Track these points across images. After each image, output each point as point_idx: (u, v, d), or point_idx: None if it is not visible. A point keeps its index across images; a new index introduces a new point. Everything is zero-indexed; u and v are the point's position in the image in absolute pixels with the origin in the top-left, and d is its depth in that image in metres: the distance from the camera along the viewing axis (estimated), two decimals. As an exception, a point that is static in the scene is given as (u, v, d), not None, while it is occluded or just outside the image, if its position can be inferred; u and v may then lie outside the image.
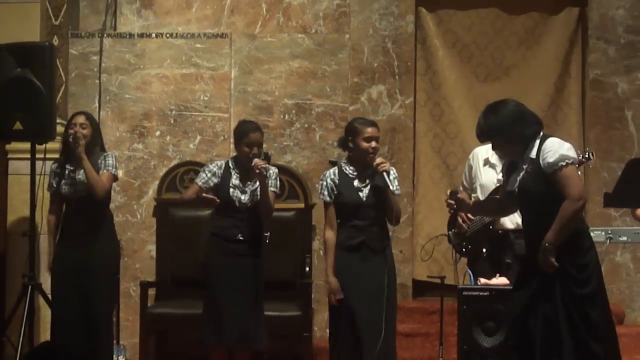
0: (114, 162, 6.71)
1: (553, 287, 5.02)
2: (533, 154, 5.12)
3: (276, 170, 6.59)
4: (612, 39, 8.23)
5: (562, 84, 8.34)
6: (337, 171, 6.22)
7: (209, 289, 6.49)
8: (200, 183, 6.51)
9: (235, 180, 6.47)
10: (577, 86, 8.36)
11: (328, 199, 6.21)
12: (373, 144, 6.09)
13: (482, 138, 5.26)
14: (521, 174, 5.15)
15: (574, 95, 8.35)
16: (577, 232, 5.07)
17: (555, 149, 5.06)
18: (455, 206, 5.51)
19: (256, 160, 6.31)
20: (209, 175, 6.51)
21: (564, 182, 5.01)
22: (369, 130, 6.11)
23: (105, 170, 6.64)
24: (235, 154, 6.72)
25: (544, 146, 5.10)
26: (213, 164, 6.61)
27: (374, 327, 5.98)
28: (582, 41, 8.37)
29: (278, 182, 6.59)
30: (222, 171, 6.52)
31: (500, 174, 5.77)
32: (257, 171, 6.28)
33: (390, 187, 6.02)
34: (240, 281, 6.41)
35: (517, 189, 5.16)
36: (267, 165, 6.35)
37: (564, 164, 5.02)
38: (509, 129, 5.12)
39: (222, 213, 6.50)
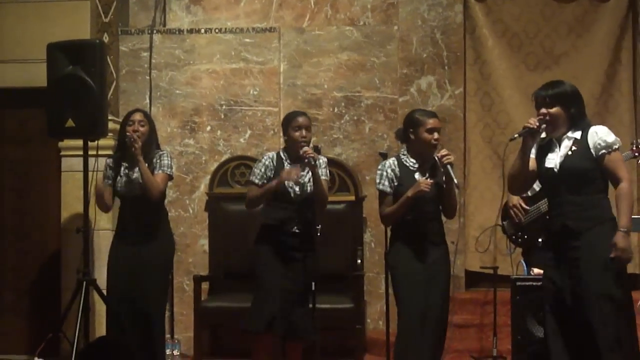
0: (169, 162, 6.75)
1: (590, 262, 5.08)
2: (577, 135, 5.21)
3: (325, 160, 6.56)
4: (664, 25, 8.15)
5: (613, 71, 8.26)
6: (396, 162, 6.09)
7: (260, 280, 6.43)
8: (257, 181, 6.50)
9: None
10: (629, 73, 8.27)
11: (388, 189, 6.05)
12: (435, 135, 6.01)
13: (543, 102, 5.27)
14: (564, 152, 5.21)
15: (626, 83, 8.26)
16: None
17: (607, 132, 5.21)
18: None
19: (305, 148, 6.31)
20: (262, 170, 6.51)
21: (615, 165, 5.17)
22: (431, 122, 6.02)
23: (160, 171, 6.67)
24: (284, 146, 6.71)
25: (594, 129, 5.23)
26: (264, 157, 6.60)
27: (439, 322, 5.96)
28: (632, 28, 8.27)
29: (328, 171, 6.57)
30: (274, 163, 6.51)
31: None
32: (306, 160, 6.27)
33: (455, 180, 5.88)
34: (292, 274, 6.38)
35: (559, 166, 5.19)
36: (315, 154, 6.33)
37: (616, 146, 5.18)
38: (572, 100, 5.24)
39: (277, 205, 6.47)
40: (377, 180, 6.12)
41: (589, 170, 5.16)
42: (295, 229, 6.41)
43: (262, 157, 6.64)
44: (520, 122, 7.97)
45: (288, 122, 6.49)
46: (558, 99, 5.23)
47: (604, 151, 5.15)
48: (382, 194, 6.11)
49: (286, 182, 6.38)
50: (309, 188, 6.43)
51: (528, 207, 6.54)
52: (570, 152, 5.20)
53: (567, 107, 5.22)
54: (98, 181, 6.85)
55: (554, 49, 8.36)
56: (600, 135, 5.18)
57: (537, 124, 5.22)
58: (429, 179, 5.92)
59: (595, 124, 5.33)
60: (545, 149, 5.32)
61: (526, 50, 8.39)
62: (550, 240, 5.32)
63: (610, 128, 5.32)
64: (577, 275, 5.09)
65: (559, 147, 5.25)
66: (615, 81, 8.26)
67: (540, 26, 8.38)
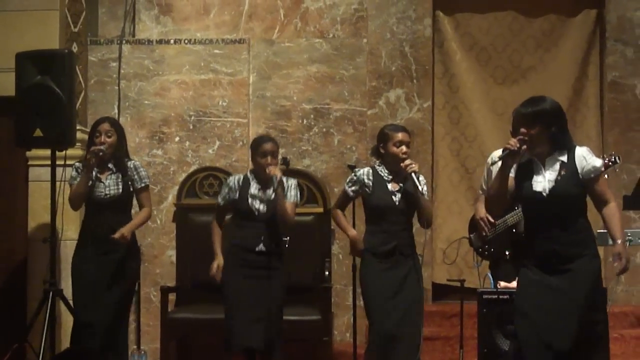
0: (146, 173, 6.87)
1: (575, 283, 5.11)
2: (564, 158, 5.19)
3: (295, 182, 6.60)
4: (630, 40, 8.23)
5: (580, 86, 8.35)
6: (371, 171, 6.24)
7: (229, 301, 6.46)
8: (220, 201, 6.60)
9: (254, 190, 6.49)
10: (595, 88, 8.37)
11: (351, 193, 6.28)
12: (403, 148, 6.13)
13: (523, 121, 5.18)
14: (553, 177, 5.18)
15: (593, 98, 8.36)
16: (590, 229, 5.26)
17: (593, 156, 5.24)
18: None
19: (270, 167, 6.36)
20: (226, 191, 6.58)
21: (602, 188, 5.24)
22: (399, 136, 6.15)
23: (143, 184, 6.77)
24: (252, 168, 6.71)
25: (581, 152, 5.22)
26: (231, 179, 6.66)
27: (408, 333, 6.00)
28: (599, 43, 8.38)
29: (298, 193, 6.60)
30: (240, 183, 6.54)
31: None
32: (270, 173, 6.34)
33: (419, 187, 6.04)
34: (260, 292, 6.38)
35: (548, 191, 5.17)
36: (280, 170, 6.38)
37: (603, 170, 5.24)
38: (553, 119, 5.19)
39: (242, 224, 6.53)
40: (347, 181, 6.33)
41: (578, 196, 5.19)
42: (261, 247, 6.43)
43: (229, 178, 6.71)
44: (487, 136, 8.14)
45: (255, 148, 6.53)
46: (538, 118, 5.15)
47: (592, 175, 5.18)
48: (344, 194, 6.36)
49: (250, 200, 6.45)
50: (274, 208, 6.45)
51: (495, 221, 6.58)
52: (559, 177, 5.17)
53: (548, 125, 5.16)
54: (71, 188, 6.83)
55: (522, 63, 8.44)
56: (588, 160, 5.18)
57: (518, 145, 5.15)
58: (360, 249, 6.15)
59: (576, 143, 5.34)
60: (528, 169, 5.26)
61: (494, 64, 8.47)
62: (534, 261, 5.29)
63: (577, 142, 5.35)
64: (564, 297, 5.13)
65: (544, 168, 5.21)
66: (582, 95, 8.34)
67: (508, 40, 8.46)
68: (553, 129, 5.18)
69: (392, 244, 6.10)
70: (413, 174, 6.03)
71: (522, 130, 5.18)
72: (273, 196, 6.43)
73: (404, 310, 6.00)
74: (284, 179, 6.46)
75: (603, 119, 8.32)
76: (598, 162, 5.21)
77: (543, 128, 5.17)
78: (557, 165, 5.20)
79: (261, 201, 6.46)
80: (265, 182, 6.48)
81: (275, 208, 6.42)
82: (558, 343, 5.04)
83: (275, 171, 6.34)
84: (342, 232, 6.52)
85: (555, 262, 5.14)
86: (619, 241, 5.17)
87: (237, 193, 6.51)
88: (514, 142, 5.16)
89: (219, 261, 6.54)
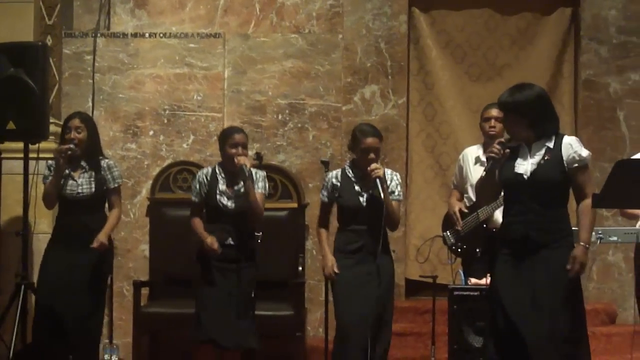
0: (120, 173, 6.86)
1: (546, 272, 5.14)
2: (550, 144, 5.22)
3: (264, 173, 6.62)
4: (605, 39, 8.27)
5: (554, 83, 8.37)
6: (340, 174, 6.28)
7: (200, 293, 6.50)
8: (194, 199, 6.61)
9: (222, 186, 6.50)
10: (570, 86, 8.41)
11: (326, 199, 6.31)
12: (370, 155, 6.13)
13: (505, 108, 5.27)
14: (537, 160, 5.20)
15: (567, 95, 8.39)
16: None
17: (581, 146, 5.25)
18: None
19: (239, 157, 6.36)
20: (198, 187, 6.59)
21: (585, 180, 5.24)
22: (368, 141, 6.14)
23: (116, 185, 6.75)
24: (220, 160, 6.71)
25: (569, 140, 5.25)
26: (199, 174, 6.67)
27: (369, 327, 6.02)
28: (574, 41, 8.41)
29: (266, 184, 6.62)
30: (209, 178, 6.55)
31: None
32: (239, 166, 6.34)
33: (382, 194, 6.02)
34: (230, 285, 6.41)
35: (529, 173, 5.19)
36: (249, 161, 6.41)
37: (588, 161, 5.25)
38: (537, 108, 5.22)
39: (212, 219, 6.55)
40: (321, 190, 6.38)
41: (559, 183, 5.20)
42: (230, 241, 6.44)
43: (198, 173, 6.71)
44: (462, 133, 8.18)
45: (225, 138, 6.54)
46: (523, 104, 5.19)
47: (577, 165, 5.19)
48: (320, 202, 6.39)
49: (218, 197, 6.47)
50: (242, 202, 6.46)
51: (465, 214, 6.61)
52: (542, 162, 5.19)
53: (535, 111, 5.19)
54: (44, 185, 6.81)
55: (497, 60, 8.47)
56: (575, 148, 5.20)
57: (501, 151, 5.21)
58: (332, 275, 6.14)
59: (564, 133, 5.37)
60: (514, 151, 5.28)
61: (469, 61, 8.49)
62: (507, 248, 5.30)
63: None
64: (535, 286, 5.14)
65: (529, 152, 5.24)
66: (556, 94, 8.35)
67: (483, 38, 8.49)
68: (532, 117, 5.19)
69: (359, 244, 6.15)
70: (378, 180, 6.03)
71: (500, 140, 5.27)
72: (242, 190, 6.43)
73: (365, 307, 6.01)
74: (253, 171, 6.46)
75: (577, 117, 8.36)
76: (584, 152, 5.21)
77: (521, 117, 5.20)
78: (543, 150, 5.22)
79: (229, 198, 6.48)
80: (233, 175, 6.48)
81: (244, 203, 6.42)
82: (531, 337, 5.06)
83: (245, 161, 6.34)
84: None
85: (529, 248, 5.16)
86: (581, 243, 5.16)
87: (207, 188, 6.51)
88: (497, 150, 5.21)
89: (210, 238, 6.46)
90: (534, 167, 5.21)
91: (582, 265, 5.16)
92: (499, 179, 5.33)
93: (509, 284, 5.20)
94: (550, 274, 5.13)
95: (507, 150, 5.23)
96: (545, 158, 5.20)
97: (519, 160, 5.26)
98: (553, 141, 5.24)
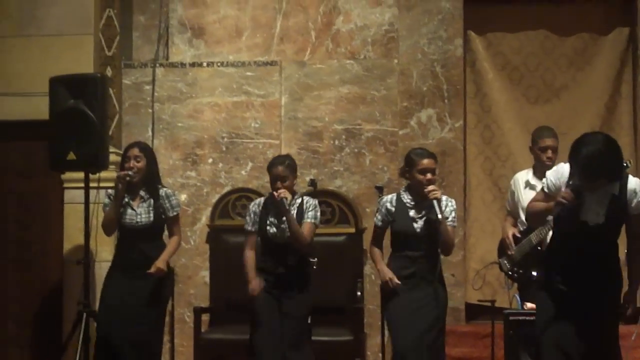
0: (178, 202, 6.97)
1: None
2: (615, 191, 5.15)
3: (315, 202, 6.66)
4: (663, 58, 8.19)
5: (613, 104, 8.31)
6: (395, 198, 6.28)
7: (254, 326, 6.55)
8: (251, 229, 6.69)
9: (271, 217, 6.55)
10: (629, 106, 8.32)
11: (380, 223, 6.31)
12: (428, 175, 6.13)
13: (603, 174, 5.07)
14: (601, 210, 5.14)
15: (626, 116, 8.31)
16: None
17: None
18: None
19: (280, 191, 6.40)
20: (252, 217, 6.66)
21: None
22: (424, 162, 6.14)
23: (174, 213, 6.87)
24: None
25: (634, 186, 5.17)
26: (252, 204, 6.76)
27: (424, 353, 6.01)
28: (632, 61, 8.33)
29: (317, 213, 6.64)
30: (260, 208, 6.64)
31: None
32: (277, 199, 6.38)
33: (439, 215, 6.00)
34: (284, 313, 6.45)
35: (594, 223, 5.14)
36: (286, 195, 6.43)
37: None
38: (617, 163, 5.13)
39: (264, 248, 6.62)
40: (375, 214, 6.36)
41: (619, 229, 5.21)
42: (281, 269, 6.48)
43: (251, 204, 6.79)
44: (520, 155, 8.11)
45: (268, 171, 6.63)
46: (616, 170, 5.10)
47: (637, 213, 5.17)
48: (374, 226, 6.38)
49: (268, 227, 6.54)
50: (287, 232, 6.50)
51: (520, 237, 6.59)
52: (607, 210, 5.14)
53: (608, 173, 5.09)
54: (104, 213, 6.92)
55: (555, 82, 8.42)
56: (639, 196, 5.15)
57: (572, 199, 5.07)
58: (393, 281, 6.10)
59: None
60: (577, 195, 5.15)
61: (527, 83, 8.46)
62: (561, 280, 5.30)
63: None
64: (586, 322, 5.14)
65: (593, 198, 5.15)
66: (615, 114, 8.30)
67: (540, 59, 8.44)
68: (609, 174, 5.10)
69: (411, 270, 6.14)
70: (435, 202, 6.02)
71: (575, 186, 5.10)
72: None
73: (420, 331, 6.00)
74: (305, 199, 6.50)
75: (637, 137, 8.27)
76: None
77: (603, 178, 5.09)
78: (608, 198, 5.15)
79: (277, 228, 6.52)
80: (277, 207, 6.51)
81: (286, 233, 6.49)
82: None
83: (284, 194, 6.39)
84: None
85: (584, 286, 5.17)
86: (634, 286, 5.19)
87: (259, 218, 6.58)
88: (570, 198, 5.07)
89: (258, 281, 6.57)
90: (599, 217, 5.14)
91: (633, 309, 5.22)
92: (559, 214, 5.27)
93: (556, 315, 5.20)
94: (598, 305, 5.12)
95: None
96: (611, 207, 5.14)
97: (584, 207, 5.16)
98: (618, 187, 5.17)
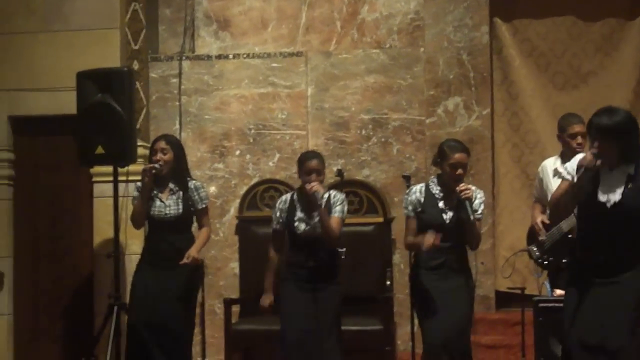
0: (207, 194, 7.01)
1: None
2: (632, 170, 5.11)
3: (343, 196, 6.61)
4: (691, 42, 8.13)
5: (640, 89, 8.26)
6: (423, 188, 6.23)
7: (284, 318, 6.53)
8: (276, 226, 6.65)
9: (299, 213, 6.53)
10: (657, 91, 8.27)
11: (412, 214, 6.22)
12: (459, 171, 6.08)
13: (599, 134, 5.07)
14: (620, 189, 5.10)
15: (654, 101, 8.26)
16: None
17: None
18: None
19: (312, 184, 6.36)
20: (278, 214, 6.62)
21: None
22: (456, 157, 6.08)
23: (203, 205, 6.90)
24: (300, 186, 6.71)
25: None
26: (279, 201, 6.70)
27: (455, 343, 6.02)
28: (660, 46, 8.27)
29: (345, 208, 6.57)
30: (287, 205, 6.59)
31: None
32: (310, 192, 6.33)
33: (471, 217, 5.97)
34: (314, 306, 6.41)
35: (613, 202, 5.09)
36: (322, 187, 6.39)
37: None
38: (632, 133, 5.10)
39: (292, 243, 6.59)
40: (403, 205, 6.32)
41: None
42: (311, 263, 6.46)
43: (277, 202, 6.74)
44: (548, 142, 8.07)
45: (300, 165, 6.55)
46: (614, 132, 5.05)
47: None
48: (406, 218, 6.29)
49: (296, 224, 6.50)
50: (317, 228, 6.47)
51: (549, 225, 6.56)
52: (626, 191, 5.09)
53: (621, 141, 5.06)
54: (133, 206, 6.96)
55: (582, 67, 8.36)
56: None
57: (594, 161, 5.03)
58: (435, 242, 5.98)
59: None
60: (594, 178, 5.14)
61: (554, 69, 8.40)
62: (585, 270, 5.26)
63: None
64: (606, 310, 5.09)
65: (610, 179, 5.13)
66: (643, 100, 8.24)
67: (567, 45, 8.39)
68: (624, 144, 5.08)
69: (440, 260, 6.10)
70: (467, 202, 5.98)
71: (596, 144, 5.06)
72: (317, 218, 6.45)
73: (451, 321, 6.00)
74: (332, 193, 6.48)
75: (665, 122, 8.21)
76: None
77: (617, 142, 5.06)
78: (624, 178, 5.11)
79: (307, 224, 6.49)
80: (309, 200, 6.47)
81: (317, 229, 6.45)
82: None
83: (317, 188, 6.34)
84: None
85: (606, 275, 5.10)
86: None
87: (286, 215, 6.56)
88: (589, 159, 5.03)
89: (269, 298, 6.62)
90: (617, 196, 5.10)
91: None
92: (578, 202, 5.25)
93: (578, 309, 5.15)
94: (623, 296, 5.06)
95: (599, 162, 5.04)
96: (629, 186, 5.09)
97: (601, 187, 5.15)
98: (634, 167, 5.12)
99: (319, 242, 6.45)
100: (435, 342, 6.00)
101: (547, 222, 6.59)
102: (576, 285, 5.21)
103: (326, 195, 6.48)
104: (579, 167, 5.13)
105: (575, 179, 5.15)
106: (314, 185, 6.35)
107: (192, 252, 6.71)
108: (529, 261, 7.48)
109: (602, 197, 5.14)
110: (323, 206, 6.40)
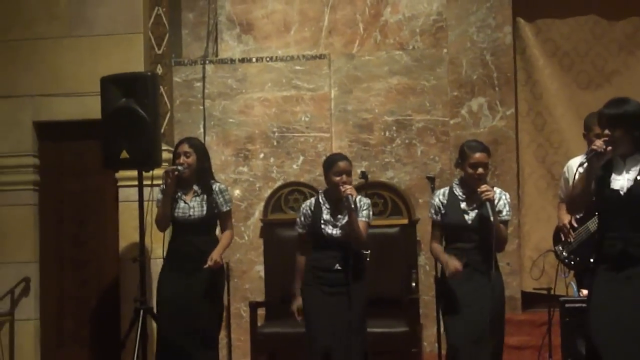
0: (231, 197, 7.02)
1: None
2: None
3: (368, 201, 6.56)
4: None
5: (666, 88, 8.21)
6: (447, 191, 6.24)
7: (310, 316, 6.49)
8: (300, 230, 6.63)
9: (326, 215, 6.49)
10: (682, 90, 8.21)
11: (435, 217, 6.24)
12: (479, 170, 6.06)
13: (608, 123, 5.13)
14: (633, 176, 5.12)
15: (679, 100, 8.19)
16: None
17: None
18: None
19: (346, 186, 6.32)
20: (302, 219, 6.60)
21: None
22: (476, 156, 6.07)
23: (227, 208, 6.90)
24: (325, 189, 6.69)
25: None
26: (303, 205, 6.67)
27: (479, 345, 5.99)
28: (684, 44, 8.23)
29: (371, 212, 6.53)
30: (312, 209, 6.55)
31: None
32: (345, 196, 6.28)
33: (492, 218, 5.95)
34: (339, 308, 6.37)
35: (627, 190, 5.11)
36: (353, 192, 6.31)
37: None
38: (637, 123, 5.12)
39: (318, 246, 6.53)
40: (429, 209, 6.33)
41: None
42: (337, 267, 6.43)
43: (302, 205, 6.70)
44: (573, 141, 8.04)
45: (329, 166, 6.49)
46: (622, 121, 5.10)
47: None
48: (431, 222, 6.31)
49: (322, 226, 6.45)
50: (346, 229, 6.41)
51: (576, 225, 6.53)
52: (639, 177, 5.11)
53: (632, 129, 5.10)
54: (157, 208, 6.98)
55: (605, 67, 8.33)
56: None
57: (604, 146, 5.08)
58: (458, 268, 5.99)
59: None
60: (609, 168, 5.21)
61: (577, 69, 8.37)
62: (605, 262, 5.25)
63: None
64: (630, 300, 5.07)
65: (625, 168, 5.17)
66: (668, 98, 8.18)
67: (590, 44, 8.36)
68: (636, 133, 5.12)
69: (464, 262, 6.06)
70: (488, 203, 5.96)
71: (607, 132, 5.12)
72: (344, 221, 6.41)
73: (474, 323, 5.97)
74: (357, 198, 6.45)
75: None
76: None
77: (626, 130, 5.11)
78: (638, 166, 5.14)
79: (334, 226, 6.46)
80: (337, 203, 6.44)
81: (348, 231, 6.40)
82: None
83: (352, 192, 6.30)
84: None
85: (626, 264, 5.09)
86: None
87: (311, 219, 6.53)
88: (600, 144, 5.10)
89: (298, 303, 6.58)
90: (631, 183, 5.12)
91: None
92: (593, 191, 5.24)
93: (604, 305, 5.14)
94: None
95: (610, 148, 5.10)
96: None
97: (614, 176, 5.18)
98: None
99: (344, 245, 6.44)
100: (456, 343, 6.00)
101: (575, 224, 6.56)
102: (598, 282, 5.20)
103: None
104: (590, 151, 5.17)
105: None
106: (347, 189, 6.32)
107: (215, 255, 6.72)
108: (555, 261, 7.45)
109: (615, 185, 5.16)
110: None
